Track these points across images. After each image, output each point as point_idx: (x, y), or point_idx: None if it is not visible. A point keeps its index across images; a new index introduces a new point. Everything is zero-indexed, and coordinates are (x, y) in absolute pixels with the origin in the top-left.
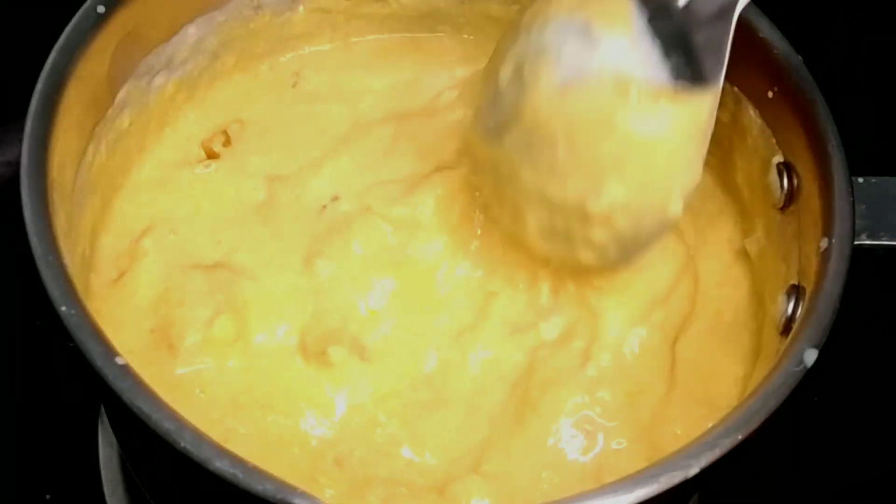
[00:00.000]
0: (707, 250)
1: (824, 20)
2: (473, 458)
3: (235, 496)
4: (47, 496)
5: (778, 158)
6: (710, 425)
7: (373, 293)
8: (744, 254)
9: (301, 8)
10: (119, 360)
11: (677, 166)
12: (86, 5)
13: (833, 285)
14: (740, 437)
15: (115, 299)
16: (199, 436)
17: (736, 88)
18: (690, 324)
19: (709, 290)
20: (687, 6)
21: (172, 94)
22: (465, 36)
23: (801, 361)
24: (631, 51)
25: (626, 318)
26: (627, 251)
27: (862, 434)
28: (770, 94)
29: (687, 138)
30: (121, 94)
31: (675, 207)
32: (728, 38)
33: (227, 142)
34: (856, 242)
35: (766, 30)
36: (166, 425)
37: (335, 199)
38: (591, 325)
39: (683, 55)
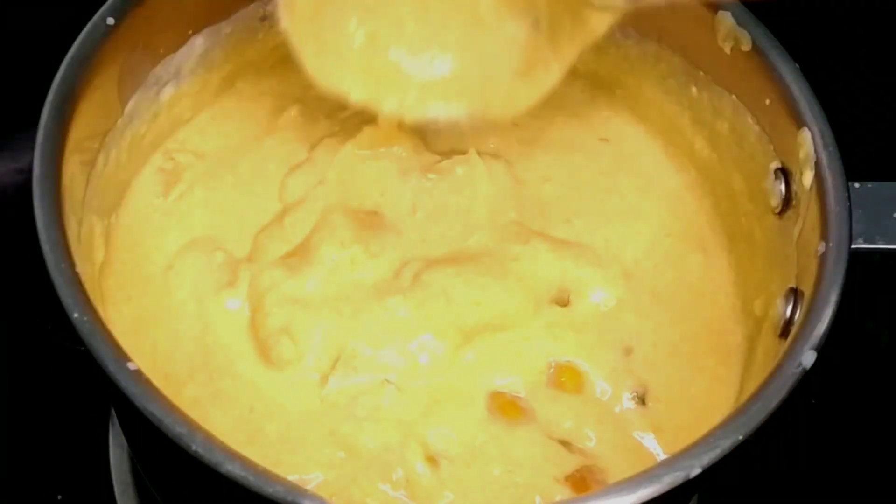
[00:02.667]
0: (705, 253)
1: (822, 27)
2: None
3: (246, 498)
4: (59, 496)
5: (775, 164)
6: (701, 431)
7: None
8: (740, 257)
9: None
10: (131, 366)
11: None
12: (96, 17)
13: (831, 288)
14: (740, 437)
15: None
16: (210, 439)
17: (734, 97)
18: (681, 329)
19: (702, 293)
20: None
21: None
22: None
23: (800, 363)
24: None
25: None
26: None
27: (858, 436)
28: (767, 102)
29: None
30: (130, 104)
31: None
32: None
33: None
34: (853, 246)
35: (762, 38)
36: (178, 429)
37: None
38: None
39: None
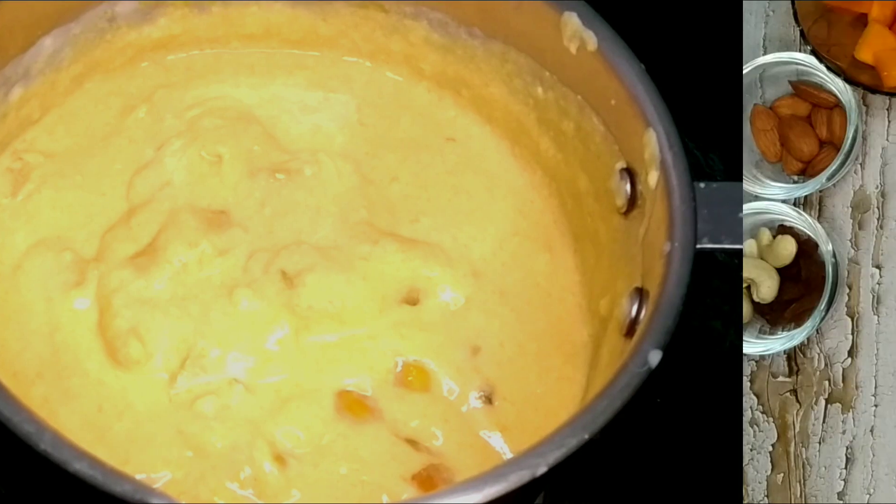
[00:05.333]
0: (551, 252)
1: (667, 28)
2: None
3: (95, 497)
4: None
5: (620, 164)
6: (548, 429)
7: None
8: (586, 257)
9: (162, 21)
10: None
11: None
12: None
13: (676, 288)
14: (586, 436)
15: None
16: (58, 438)
17: (580, 97)
18: (528, 328)
19: (549, 292)
20: None
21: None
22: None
23: (646, 362)
24: None
25: None
26: None
27: (703, 435)
28: (613, 102)
29: None
30: None
31: None
32: None
33: None
34: (698, 246)
35: (608, 38)
36: (26, 427)
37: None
38: None
39: None
